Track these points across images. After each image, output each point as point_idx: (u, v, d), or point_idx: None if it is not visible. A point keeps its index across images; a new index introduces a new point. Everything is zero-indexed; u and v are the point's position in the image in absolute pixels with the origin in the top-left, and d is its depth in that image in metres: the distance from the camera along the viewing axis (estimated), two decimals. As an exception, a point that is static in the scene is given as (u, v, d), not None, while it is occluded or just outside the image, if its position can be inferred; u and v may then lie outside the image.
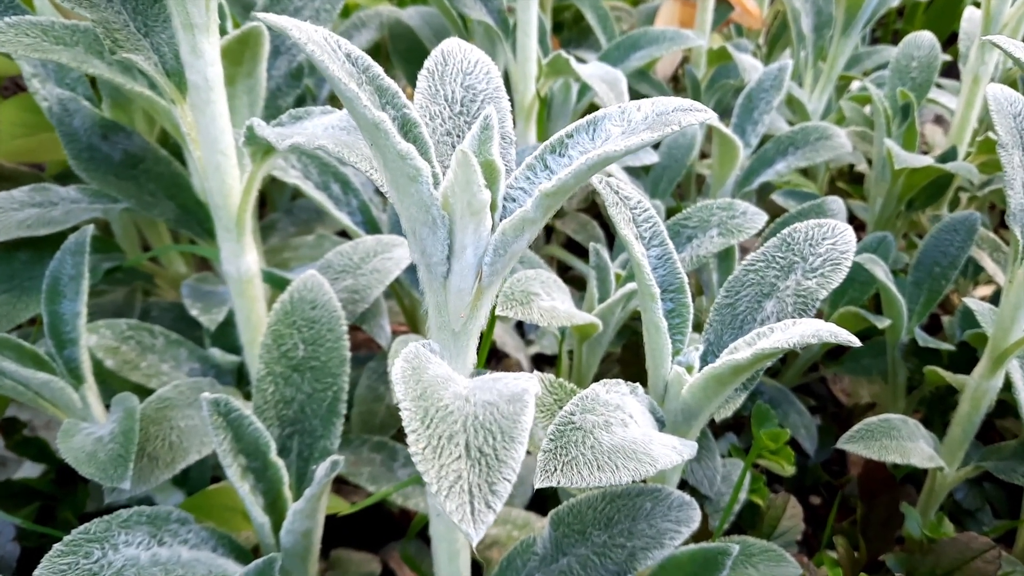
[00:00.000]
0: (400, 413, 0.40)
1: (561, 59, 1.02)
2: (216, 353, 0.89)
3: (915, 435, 0.88)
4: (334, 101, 1.31)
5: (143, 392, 0.89)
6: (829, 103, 1.40)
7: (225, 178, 0.73)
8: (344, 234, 1.12)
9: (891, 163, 1.11)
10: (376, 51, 1.32)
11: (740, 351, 0.65)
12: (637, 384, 0.67)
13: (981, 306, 0.92)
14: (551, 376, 0.77)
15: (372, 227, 0.96)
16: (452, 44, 0.66)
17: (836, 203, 1.07)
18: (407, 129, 0.52)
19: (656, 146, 1.24)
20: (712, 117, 0.52)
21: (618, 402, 0.63)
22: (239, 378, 0.92)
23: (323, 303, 0.79)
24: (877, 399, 1.14)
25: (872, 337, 1.15)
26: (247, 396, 0.92)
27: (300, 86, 0.97)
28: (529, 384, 0.46)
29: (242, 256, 0.78)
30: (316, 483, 0.67)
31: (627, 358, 1.07)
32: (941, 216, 1.17)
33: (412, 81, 1.29)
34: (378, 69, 0.50)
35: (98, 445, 0.70)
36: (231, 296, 0.82)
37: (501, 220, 0.54)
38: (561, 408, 0.77)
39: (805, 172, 1.41)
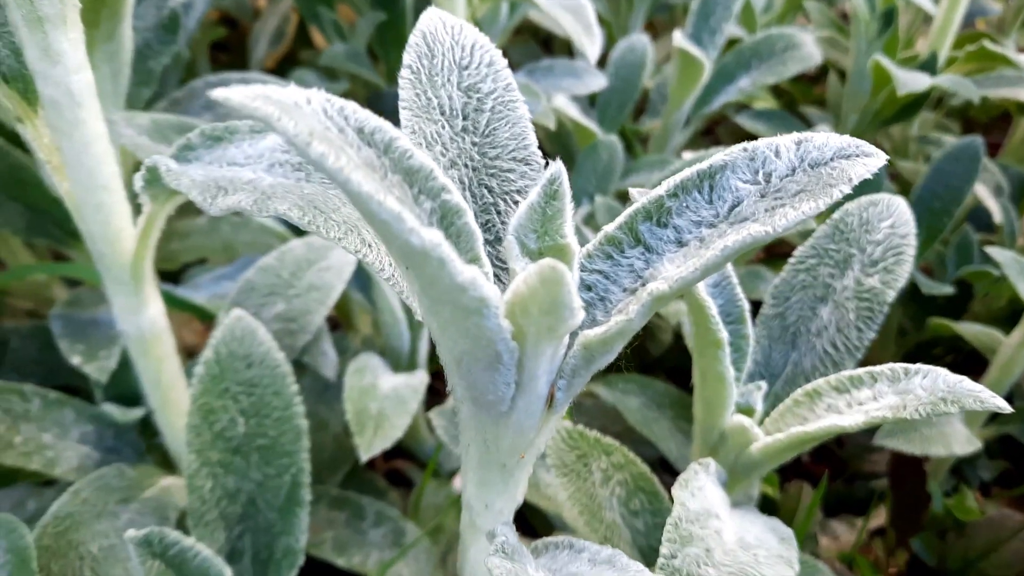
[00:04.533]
0: None
1: (507, -20, 0.81)
2: (112, 410, 0.69)
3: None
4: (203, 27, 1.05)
5: (23, 477, 0.68)
6: (771, -6, 1.24)
7: (111, 219, 0.52)
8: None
9: (877, 78, 0.97)
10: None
11: (844, 414, 0.51)
12: (710, 460, 0.53)
13: (1005, 255, 0.82)
14: (567, 424, 0.62)
15: (293, 219, 0.75)
16: (434, 20, 0.46)
17: (825, 134, 0.92)
18: (449, 221, 0.33)
19: (602, 63, 1.05)
20: (885, 159, 0.36)
21: (705, 506, 0.48)
22: (144, 429, 0.72)
23: (261, 357, 0.60)
24: (858, 339, 1.04)
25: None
26: (152, 450, 0.72)
27: (175, 41, 0.73)
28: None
29: (143, 311, 0.57)
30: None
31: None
32: (927, 138, 1.04)
33: (299, 0, 1.04)
34: (402, 142, 0.30)
35: (-19, 615, 0.50)
36: (130, 355, 0.61)
37: (579, 327, 0.37)
38: (586, 464, 0.62)
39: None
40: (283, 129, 0.25)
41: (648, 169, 1.00)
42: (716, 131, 1.24)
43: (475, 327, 0.32)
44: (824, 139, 0.36)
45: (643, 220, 0.38)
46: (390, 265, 0.39)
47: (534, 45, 1.25)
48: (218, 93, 0.25)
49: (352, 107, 0.30)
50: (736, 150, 0.37)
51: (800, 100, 1.27)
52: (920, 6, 1.04)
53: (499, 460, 0.41)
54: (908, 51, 1.11)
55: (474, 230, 0.34)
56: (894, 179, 1.13)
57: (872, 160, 0.35)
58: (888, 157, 0.92)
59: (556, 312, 0.32)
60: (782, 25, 1.23)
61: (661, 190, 0.37)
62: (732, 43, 1.15)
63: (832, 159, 0.35)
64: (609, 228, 0.38)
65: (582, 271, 0.39)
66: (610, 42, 1.22)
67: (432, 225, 0.33)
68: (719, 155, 0.37)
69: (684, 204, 0.37)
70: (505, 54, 1.25)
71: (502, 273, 0.43)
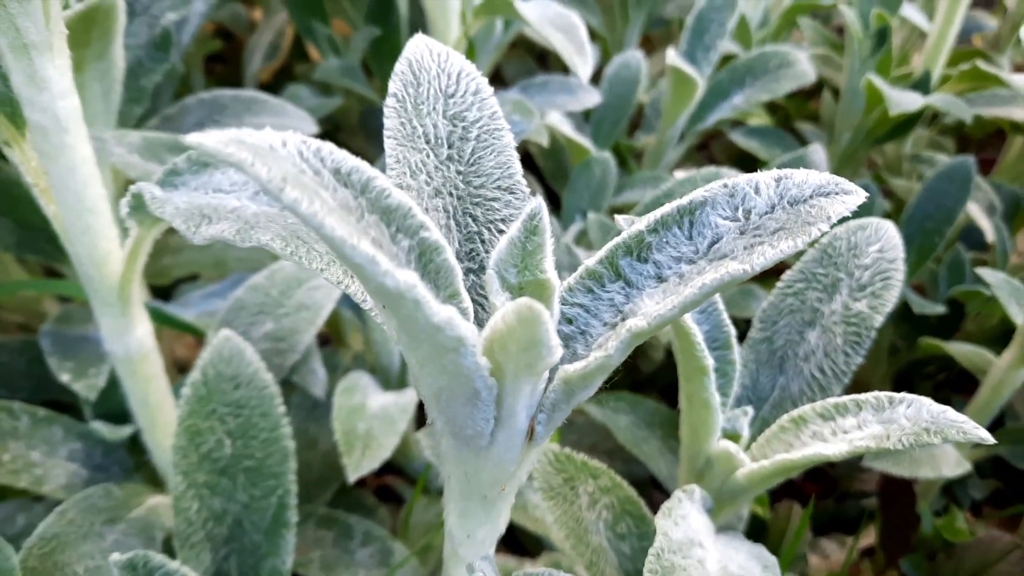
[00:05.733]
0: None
1: (500, -1, 0.81)
2: (100, 427, 0.69)
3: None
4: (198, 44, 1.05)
5: (12, 495, 0.68)
6: (765, 13, 1.24)
7: (98, 242, 0.52)
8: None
9: (870, 97, 0.97)
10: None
11: (829, 442, 0.51)
12: (695, 487, 0.53)
13: (996, 277, 0.82)
14: (555, 447, 0.62)
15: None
16: (419, 48, 0.46)
17: (817, 153, 0.92)
18: (427, 259, 0.33)
19: (595, 81, 1.06)
20: (864, 196, 0.36)
21: (688, 535, 0.48)
22: (133, 446, 0.72)
23: (249, 378, 0.60)
24: (850, 356, 1.04)
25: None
26: (140, 467, 0.72)
27: (167, 59, 0.73)
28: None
29: (130, 332, 0.57)
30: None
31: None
32: (920, 156, 1.05)
33: (294, 15, 1.05)
34: (380, 181, 0.31)
35: (-36, 639, 0.50)
36: (118, 375, 0.61)
37: (559, 361, 0.37)
38: (572, 487, 0.62)
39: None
40: (256, 175, 0.25)
41: (642, 185, 1.00)
42: (711, 146, 1.24)
43: (452, 364, 0.32)
44: (804, 176, 0.36)
45: (624, 255, 0.38)
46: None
47: (529, 60, 1.25)
48: (192, 138, 0.25)
49: (328, 148, 0.30)
50: (716, 186, 0.37)
51: (795, 115, 1.27)
52: (915, 24, 1.04)
53: (480, 492, 0.41)
54: (903, 68, 1.12)
55: (453, 266, 0.34)
56: (887, 196, 1.14)
57: (851, 198, 0.35)
58: (879, 177, 0.91)
59: (534, 350, 0.32)
60: (777, 41, 1.23)
61: (641, 225, 0.37)
62: (727, 59, 1.16)
63: (811, 197, 0.36)
64: (590, 262, 0.38)
65: (563, 304, 0.39)
66: (605, 57, 1.22)
67: (410, 263, 0.33)
68: (699, 191, 0.37)
69: (664, 240, 0.37)
70: (500, 69, 1.25)
71: (485, 302, 0.43)
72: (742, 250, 0.35)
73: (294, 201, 0.26)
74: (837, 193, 0.36)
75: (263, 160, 0.26)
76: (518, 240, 0.37)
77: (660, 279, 0.37)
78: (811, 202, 0.35)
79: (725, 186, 0.37)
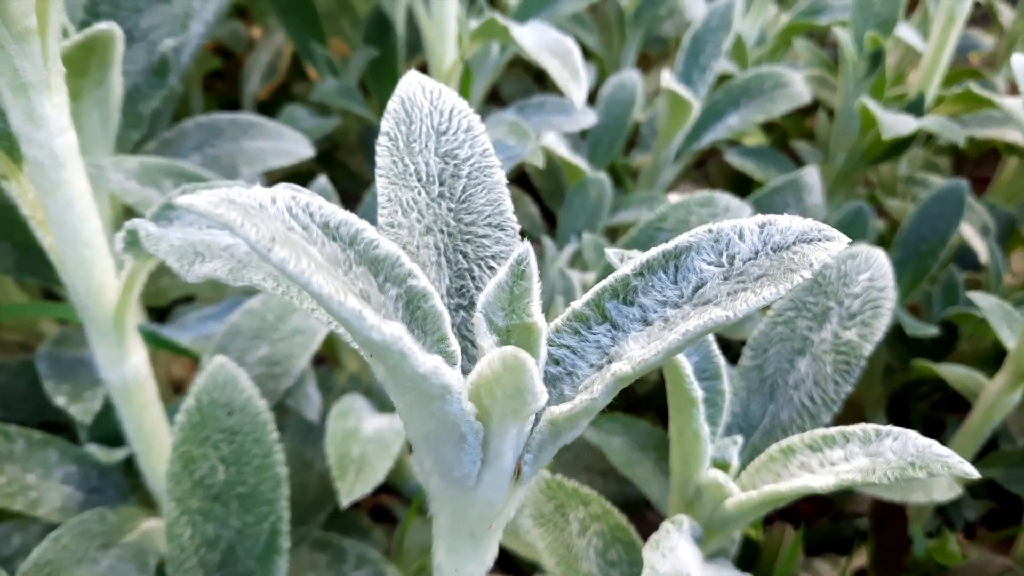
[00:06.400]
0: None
1: (496, 24, 0.82)
2: (95, 450, 0.69)
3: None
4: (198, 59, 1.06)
5: (7, 517, 0.69)
6: (762, 32, 1.24)
7: (93, 273, 0.52)
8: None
9: (864, 119, 0.98)
10: None
11: (817, 474, 0.51)
12: (683, 518, 0.53)
13: (988, 301, 0.82)
14: (547, 474, 0.62)
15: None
16: (413, 85, 0.47)
17: (811, 176, 0.93)
18: (415, 305, 0.34)
19: (591, 100, 1.06)
20: (846, 241, 0.36)
21: (675, 567, 0.48)
22: (128, 469, 0.73)
23: (242, 404, 0.60)
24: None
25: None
26: (135, 490, 0.72)
27: (166, 85, 0.73)
28: None
29: (125, 361, 0.58)
30: None
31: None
32: (915, 178, 1.05)
33: (293, 35, 1.05)
34: (368, 233, 0.31)
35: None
36: (113, 401, 0.62)
37: (546, 403, 0.37)
38: (563, 514, 0.63)
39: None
40: (245, 236, 0.26)
41: (638, 205, 1.00)
42: (707, 165, 1.24)
43: (439, 410, 0.33)
44: (787, 223, 0.36)
45: (610, 298, 0.38)
46: (362, 337, 0.40)
47: (527, 79, 1.26)
48: (182, 200, 0.26)
49: (318, 202, 0.30)
50: (701, 231, 0.37)
51: (791, 134, 1.28)
52: (910, 44, 1.04)
53: (468, 529, 0.41)
54: (898, 88, 1.12)
55: (440, 312, 0.35)
56: (882, 216, 1.14)
57: (834, 244, 0.36)
58: (874, 197, 0.92)
59: (520, 396, 0.33)
60: (774, 61, 1.24)
61: (628, 268, 0.38)
62: (723, 78, 1.16)
63: (794, 243, 0.36)
64: (577, 305, 0.39)
65: (550, 345, 0.39)
66: (602, 76, 1.23)
67: (398, 311, 0.33)
68: (684, 236, 0.37)
69: (650, 284, 0.38)
70: (497, 88, 1.26)
71: (475, 339, 0.43)
72: (726, 296, 0.35)
73: (282, 261, 0.26)
74: (820, 240, 0.36)
75: (252, 220, 0.26)
76: (505, 284, 0.37)
77: (646, 322, 0.38)
78: (794, 248, 0.36)
79: (710, 231, 0.37)
